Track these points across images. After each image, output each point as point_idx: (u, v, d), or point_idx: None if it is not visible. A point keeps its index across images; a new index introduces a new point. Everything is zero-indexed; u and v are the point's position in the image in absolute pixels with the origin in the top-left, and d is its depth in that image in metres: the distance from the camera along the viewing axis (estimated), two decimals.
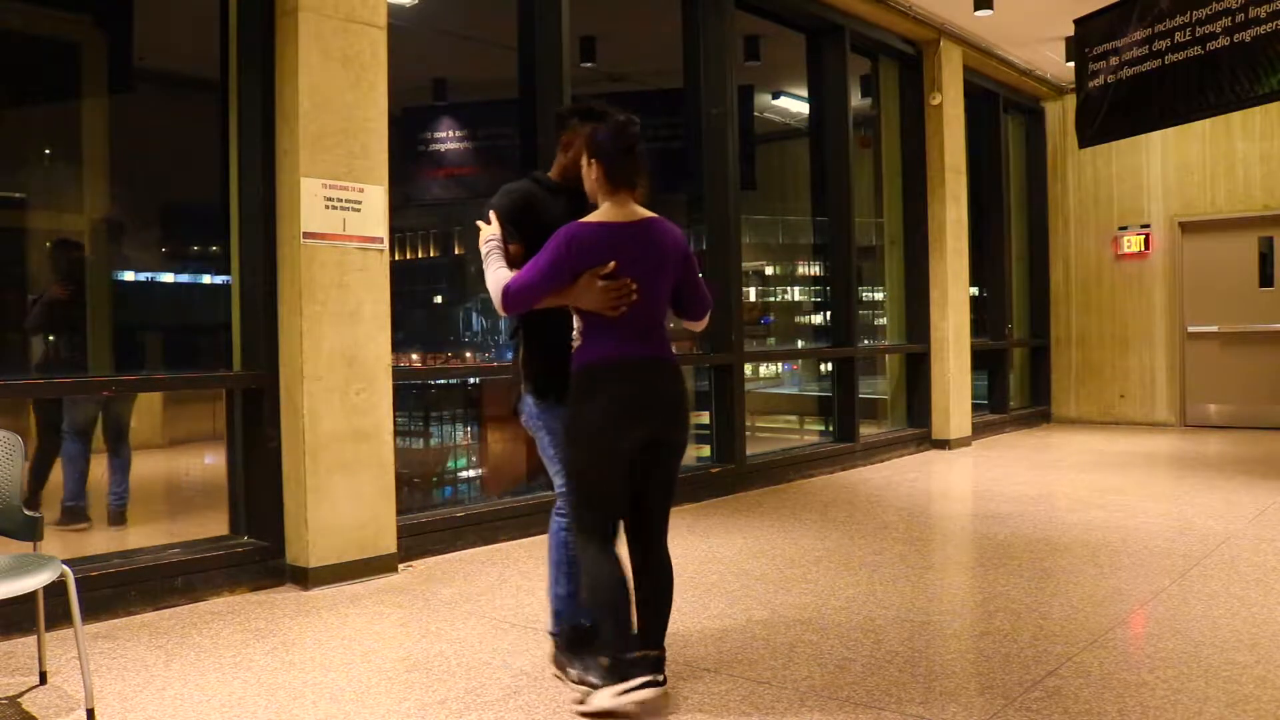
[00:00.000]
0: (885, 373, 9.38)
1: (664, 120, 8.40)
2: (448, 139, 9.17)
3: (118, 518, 5.30)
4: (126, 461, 5.39)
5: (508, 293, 2.95)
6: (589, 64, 8.43)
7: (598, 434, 2.90)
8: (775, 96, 10.15)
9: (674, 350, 3.10)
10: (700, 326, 3.20)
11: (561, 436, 3.07)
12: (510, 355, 3.36)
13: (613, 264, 2.88)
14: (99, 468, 5.37)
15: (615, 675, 2.84)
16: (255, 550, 4.45)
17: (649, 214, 3.02)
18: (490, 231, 3.13)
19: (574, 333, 3.02)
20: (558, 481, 3.23)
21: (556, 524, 3.27)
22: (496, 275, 3.01)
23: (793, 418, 9.81)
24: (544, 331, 3.15)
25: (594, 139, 3.00)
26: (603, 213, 2.98)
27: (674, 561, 3.10)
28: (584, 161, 3.04)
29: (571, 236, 2.92)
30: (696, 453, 6.95)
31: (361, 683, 3.20)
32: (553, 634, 3.28)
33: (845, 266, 8.19)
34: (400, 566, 4.71)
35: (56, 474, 5.23)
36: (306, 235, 4.40)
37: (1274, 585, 4.14)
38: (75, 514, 5.18)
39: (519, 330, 3.26)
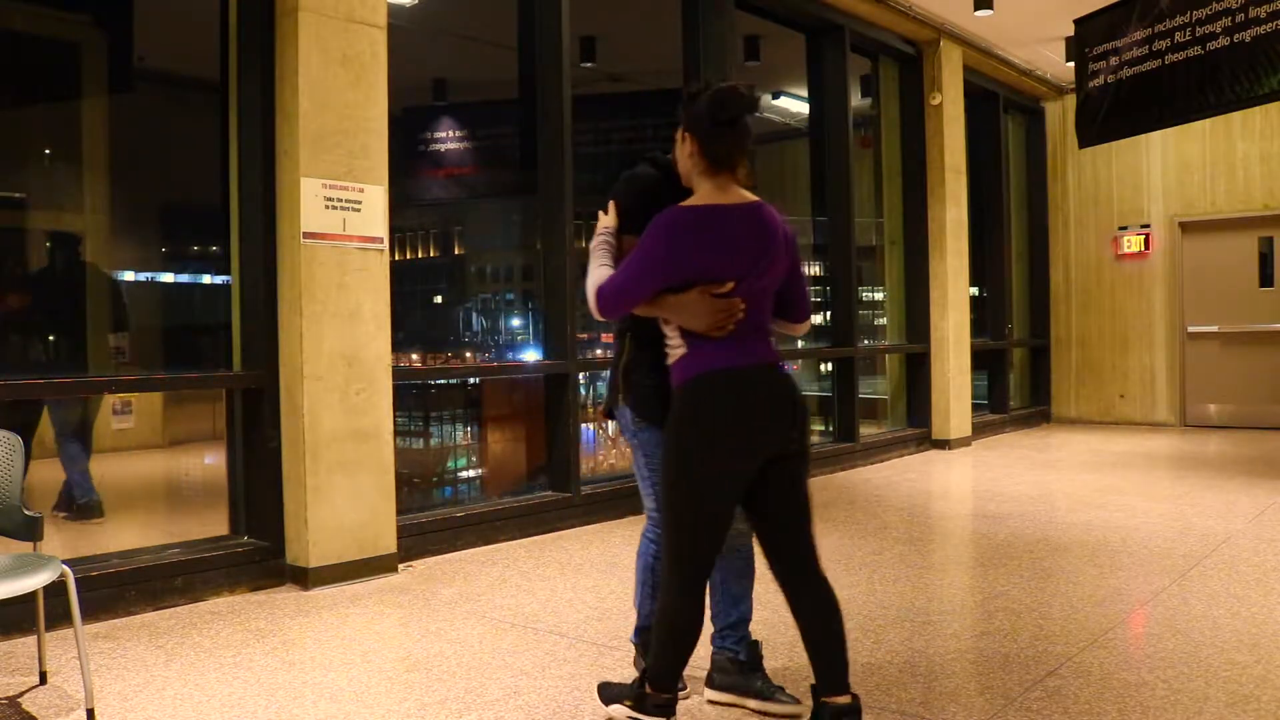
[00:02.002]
0: (885, 373, 9.38)
1: (664, 120, 8.40)
2: (448, 139, 9.16)
3: (66, 504, 5.27)
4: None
5: (602, 294, 2.59)
6: (589, 64, 8.42)
7: (707, 459, 2.51)
8: (775, 96, 10.14)
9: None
10: (803, 330, 2.84)
11: (661, 459, 2.67)
12: (614, 353, 3.02)
13: (730, 284, 2.52)
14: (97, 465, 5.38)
15: (635, 700, 2.65)
16: (255, 550, 4.45)
17: (754, 198, 2.64)
18: (606, 223, 2.78)
19: (671, 340, 2.63)
20: (648, 504, 2.98)
21: (646, 545, 3.01)
22: (596, 274, 2.65)
23: None
24: (658, 340, 2.71)
25: (691, 110, 2.63)
26: (703, 196, 2.59)
27: None
28: (678, 136, 2.67)
29: (671, 223, 2.54)
30: None
31: (361, 683, 3.20)
32: (634, 642, 3.10)
33: (845, 266, 8.20)
34: (400, 566, 4.71)
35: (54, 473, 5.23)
36: (306, 235, 4.40)
37: (1274, 585, 4.14)
38: (89, 509, 5.21)
39: (628, 332, 2.90)
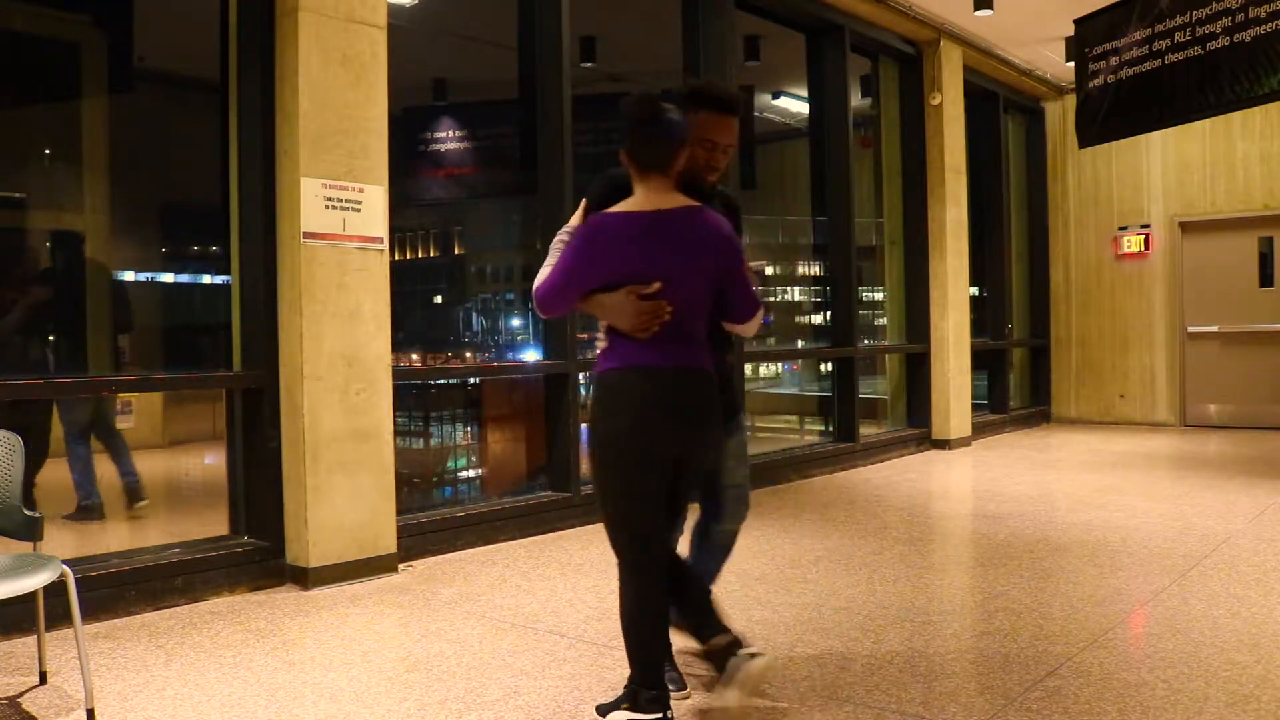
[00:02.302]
0: (885, 373, 9.38)
1: None
2: (448, 139, 9.16)
3: (136, 494, 5.45)
4: (123, 445, 5.50)
5: (538, 293, 2.68)
6: (589, 64, 8.43)
7: (620, 451, 2.64)
8: (775, 96, 10.15)
9: (708, 359, 2.74)
10: (747, 330, 2.83)
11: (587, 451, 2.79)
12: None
13: (657, 285, 2.58)
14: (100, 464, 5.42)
15: (629, 701, 2.72)
16: (255, 550, 4.45)
17: (690, 202, 2.68)
18: (572, 222, 2.83)
19: (600, 335, 2.75)
20: None
21: None
22: (542, 272, 2.72)
23: (793, 418, 9.80)
24: None
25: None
26: (633, 200, 2.66)
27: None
28: None
29: (596, 228, 2.63)
30: None
31: (361, 683, 3.20)
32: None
33: (845, 266, 8.19)
34: (400, 566, 4.71)
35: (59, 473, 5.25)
36: (306, 235, 4.40)
37: (1274, 585, 4.14)
38: (91, 510, 5.25)
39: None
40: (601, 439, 2.67)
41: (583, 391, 6.09)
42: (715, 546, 3.25)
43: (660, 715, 2.66)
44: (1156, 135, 9.66)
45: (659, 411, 2.62)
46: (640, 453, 2.62)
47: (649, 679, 2.69)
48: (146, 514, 5.49)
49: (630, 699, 2.71)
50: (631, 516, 2.68)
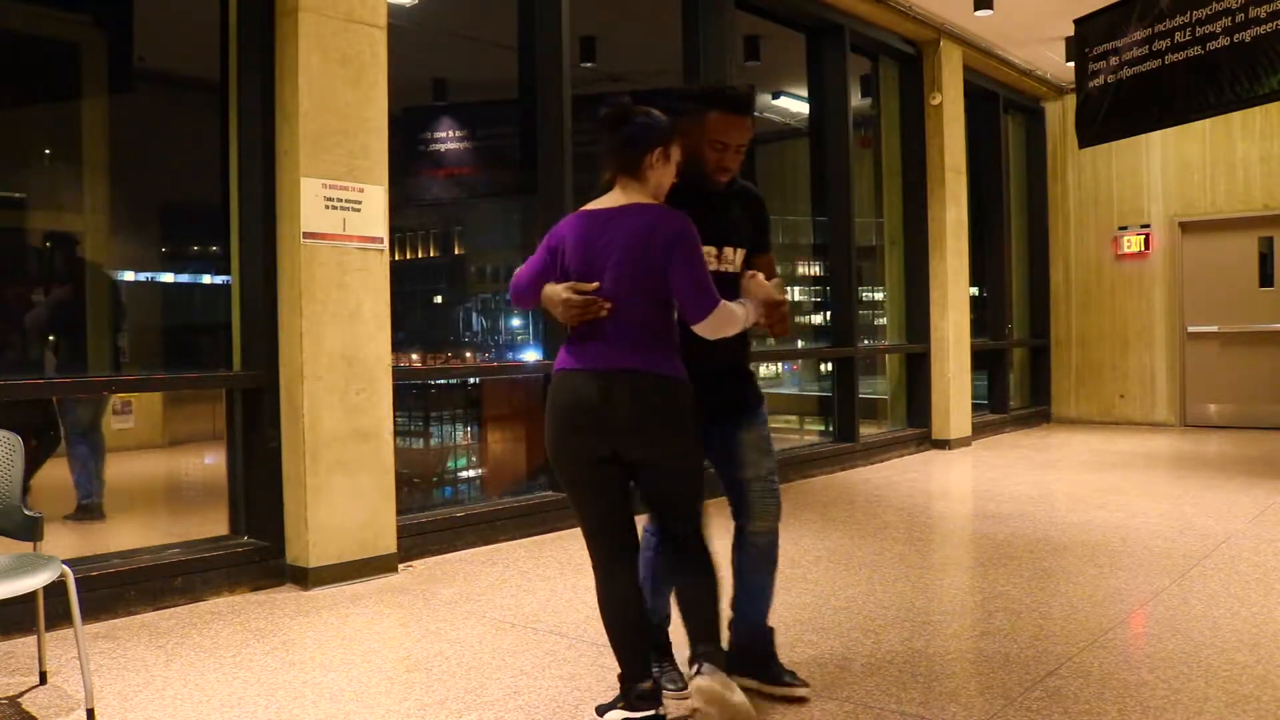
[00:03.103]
0: (885, 373, 9.38)
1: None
2: (448, 139, 9.17)
3: (90, 511, 5.35)
4: (100, 447, 5.46)
5: (511, 284, 2.84)
6: (589, 64, 8.43)
7: (555, 446, 2.76)
8: (775, 96, 10.14)
9: (661, 359, 2.69)
10: (705, 333, 2.69)
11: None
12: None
13: (595, 285, 2.65)
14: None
15: (624, 699, 2.73)
16: (255, 550, 4.45)
17: (640, 201, 2.68)
18: None
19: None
20: None
21: (647, 539, 3.02)
22: (521, 267, 2.88)
23: (793, 418, 9.80)
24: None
25: None
26: (601, 199, 2.76)
27: None
28: None
29: (551, 228, 2.81)
30: None
31: (361, 683, 3.20)
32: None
33: (845, 266, 8.19)
34: (400, 566, 4.71)
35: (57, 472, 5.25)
36: (306, 235, 4.40)
37: (1274, 585, 4.14)
38: (92, 510, 5.26)
39: None
40: (546, 444, 2.81)
41: None
42: (754, 555, 3.05)
43: (652, 713, 2.66)
44: (1156, 135, 9.66)
45: (585, 414, 2.67)
46: (571, 455, 2.73)
47: (633, 673, 2.71)
48: (146, 515, 5.47)
49: (625, 695, 2.72)
50: (584, 516, 2.79)
